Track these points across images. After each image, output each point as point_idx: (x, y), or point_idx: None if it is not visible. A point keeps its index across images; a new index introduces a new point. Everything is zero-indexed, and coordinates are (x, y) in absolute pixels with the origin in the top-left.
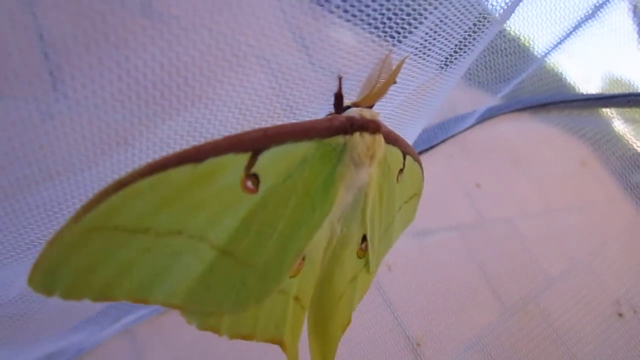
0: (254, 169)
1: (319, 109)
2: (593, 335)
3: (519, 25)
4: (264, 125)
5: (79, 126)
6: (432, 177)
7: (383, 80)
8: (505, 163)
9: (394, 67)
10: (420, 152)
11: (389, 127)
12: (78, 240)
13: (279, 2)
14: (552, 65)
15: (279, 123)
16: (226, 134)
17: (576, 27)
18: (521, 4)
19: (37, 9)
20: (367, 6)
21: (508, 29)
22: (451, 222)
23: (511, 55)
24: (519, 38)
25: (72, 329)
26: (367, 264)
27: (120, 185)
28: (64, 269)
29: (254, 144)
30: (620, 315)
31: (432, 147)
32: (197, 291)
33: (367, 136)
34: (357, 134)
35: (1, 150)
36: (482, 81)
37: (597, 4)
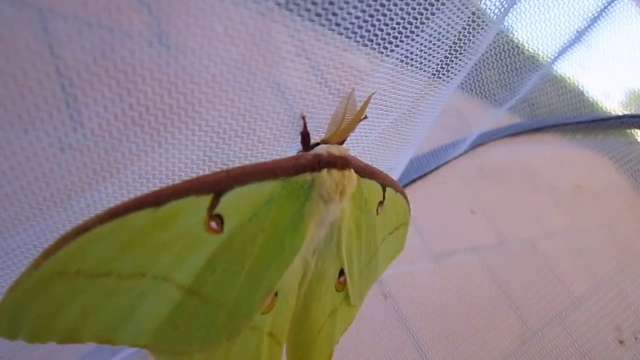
0: (217, 210)
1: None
2: (617, 354)
3: (520, 33)
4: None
5: (97, 156)
6: (446, 198)
7: (350, 117)
8: (524, 183)
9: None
10: (432, 171)
11: (364, 160)
12: (38, 285)
13: (288, 28)
14: (570, 80)
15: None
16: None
17: (585, 35)
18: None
19: (53, 42)
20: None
21: (511, 35)
22: (470, 244)
23: (515, 63)
24: (522, 46)
25: None
26: (347, 297)
27: (80, 231)
28: (26, 314)
29: (216, 186)
30: None
31: (446, 164)
32: (164, 331)
33: (335, 172)
34: (324, 171)
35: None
36: (486, 93)
37: (612, 16)
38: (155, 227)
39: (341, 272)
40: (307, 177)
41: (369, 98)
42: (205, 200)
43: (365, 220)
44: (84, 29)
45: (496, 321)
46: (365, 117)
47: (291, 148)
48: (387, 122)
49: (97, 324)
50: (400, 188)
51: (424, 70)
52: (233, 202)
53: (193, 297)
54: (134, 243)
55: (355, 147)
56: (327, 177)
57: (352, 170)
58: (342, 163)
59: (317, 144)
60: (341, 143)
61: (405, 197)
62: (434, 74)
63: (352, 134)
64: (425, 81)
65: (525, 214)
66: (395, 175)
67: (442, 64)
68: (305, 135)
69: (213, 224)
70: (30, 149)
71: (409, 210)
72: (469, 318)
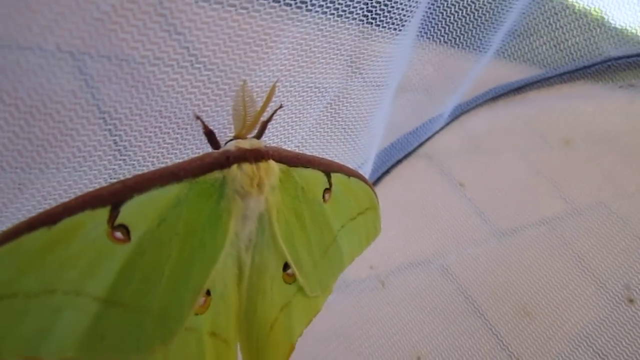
0: (119, 221)
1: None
2: None
3: None
4: None
5: None
6: (508, 173)
7: (252, 108)
8: (591, 144)
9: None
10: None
11: (295, 150)
12: None
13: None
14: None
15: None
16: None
17: None
18: None
19: (93, 86)
20: None
21: None
22: (538, 217)
23: None
24: None
25: None
26: (301, 289)
27: None
28: None
29: (111, 197)
30: None
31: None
32: (90, 343)
33: (246, 166)
34: (234, 167)
35: None
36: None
37: None
38: (54, 245)
39: (287, 265)
40: (217, 175)
41: (274, 86)
42: (103, 212)
43: (308, 210)
44: (118, 65)
45: (578, 293)
46: (281, 107)
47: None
48: (321, 104)
49: (16, 343)
50: (354, 172)
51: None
52: (135, 211)
53: (113, 307)
54: (34, 263)
55: (292, 139)
56: (238, 172)
57: (269, 161)
58: (254, 156)
59: (231, 140)
60: (259, 136)
61: (364, 180)
62: (368, 22)
63: (283, 124)
64: (357, 35)
65: (592, 176)
66: (367, 167)
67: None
68: (209, 134)
69: (118, 234)
70: (81, 183)
71: (374, 193)
72: (543, 295)
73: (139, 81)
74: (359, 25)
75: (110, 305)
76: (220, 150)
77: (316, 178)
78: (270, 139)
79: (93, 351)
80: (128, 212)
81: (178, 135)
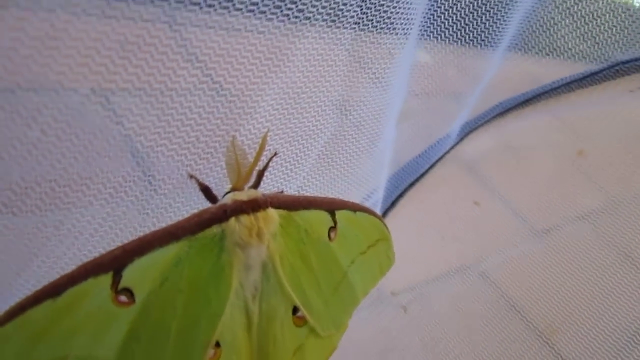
0: (122, 285)
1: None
2: None
3: None
4: None
5: (174, 215)
6: (540, 171)
7: (245, 160)
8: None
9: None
10: None
11: (298, 192)
12: None
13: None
14: None
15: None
16: None
17: None
18: None
19: (118, 116)
20: None
21: None
22: (576, 213)
23: None
24: None
25: None
26: (313, 330)
27: None
28: None
29: (112, 264)
30: None
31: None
32: None
33: (244, 218)
34: (232, 220)
35: None
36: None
37: None
38: (60, 314)
39: (296, 308)
40: (216, 229)
41: (265, 136)
42: (105, 279)
43: (314, 251)
44: (143, 98)
45: (621, 289)
46: (275, 154)
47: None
48: (318, 144)
49: None
50: (359, 206)
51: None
52: (137, 273)
53: None
54: (43, 333)
55: (292, 182)
56: (236, 225)
57: (267, 210)
58: (252, 206)
59: (228, 192)
60: (256, 185)
61: (372, 213)
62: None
63: (282, 169)
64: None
65: (629, 168)
66: (378, 195)
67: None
68: (205, 190)
69: (122, 298)
70: (114, 215)
71: (383, 224)
72: (588, 292)
73: (167, 112)
74: (349, 55)
75: None
76: (217, 204)
77: (320, 218)
78: (270, 185)
79: None
80: (130, 275)
81: (200, 166)
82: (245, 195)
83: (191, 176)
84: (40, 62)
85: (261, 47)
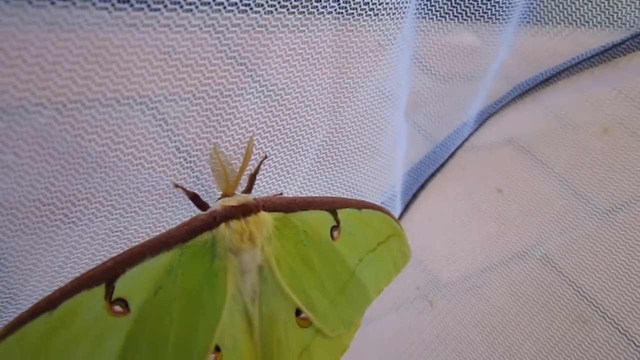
0: (116, 295)
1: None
2: None
3: None
4: None
5: None
6: (595, 147)
7: (230, 166)
8: None
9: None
10: None
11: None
12: None
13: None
14: None
15: None
16: None
17: None
18: None
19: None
20: None
21: None
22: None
23: None
24: None
25: None
26: (319, 331)
27: None
28: None
29: (104, 275)
30: None
31: None
32: None
33: (234, 223)
34: (222, 226)
35: None
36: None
37: None
38: (58, 327)
39: (299, 309)
40: (206, 236)
41: (251, 140)
42: (99, 290)
43: (315, 251)
44: (191, 106)
45: None
46: (266, 157)
47: None
48: (314, 143)
49: None
50: (365, 203)
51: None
52: (130, 284)
53: None
54: (43, 346)
55: (290, 184)
56: (227, 230)
57: (259, 213)
58: (242, 211)
59: (219, 199)
60: (248, 190)
61: (380, 209)
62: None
63: (276, 171)
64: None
65: None
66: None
67: None
68: (193, 198)
69: (117, 308)
70: (165, 215)
71: (394, 220)
72: None
73: (214, 118)
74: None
75: None
76: (207, 211)
77: (320, 218)
78: (268, 189)
79: None
80: (123, 286)
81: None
82: (235, 200)
83: (177, 186)
84: (97, 75)
85: (235, 46)
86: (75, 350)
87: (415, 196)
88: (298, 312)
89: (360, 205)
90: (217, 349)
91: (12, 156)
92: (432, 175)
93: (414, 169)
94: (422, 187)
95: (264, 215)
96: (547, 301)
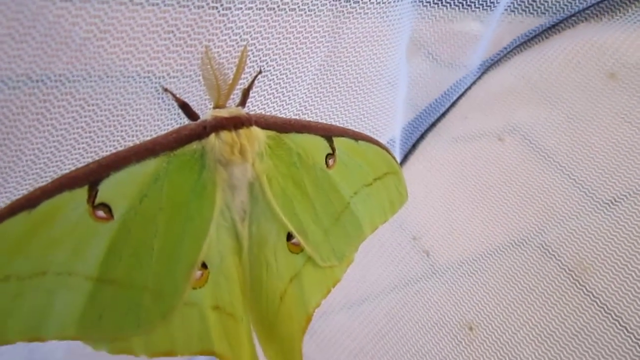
0: (99, 200)
1: None
2: None
3: None
4: None
5: None
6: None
7: (223, 75)
8: None
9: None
10: None
11: (289, 116)
12: None
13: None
14: None
15: None
16: None
17: None
18: None
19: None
20: None
21: None
22: None
23: None
24: None
25: None
26: (310, 259)
27: None
28: None
29: (87, 177)
30: None
31: None
32: (89, 321)
33: (225, 134)
34: (212, 136)
35: None
36: None
37: None
38: (37, 227)
39: (291, 234)
40: (195, 146)
41: (244, 50)
42: (81, 193)
43: (309, 176)
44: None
45: None
46: (260, 72)
47: None
48: (311, 66)
49: (17, 325)
50: (362, 135)
51: None
52: (114, 189)
53: (106, 285)
54: (20, 246)
55: (287, 106)
56: (217, 141)
57: (251, 127)
58: (234, 123)
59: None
60: (242, 105)
61: (378, 144)
62: None
63: (271, 91)
64: None
65: None
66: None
67: None
68: (183, 106)
69: (100, 213)
70: None
71: (392, 157)
72: None
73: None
74: None
75: (103, 284)
76: (198, 121)
77: (315, 143)
78: (260, 110)
79: (93, 329)
80: (107, 190)
81: None
82: (226, 112)
83: (166, 90)
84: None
85: None
86: (55, 254)
87: (414, 147)
88: (289, 237)
89: (357, 136)
90: (204, 266)
91: None
92: (433, 124)
93: (414, 119)
94: (422, 137)
95: (256, 131)
96: (545, 289)
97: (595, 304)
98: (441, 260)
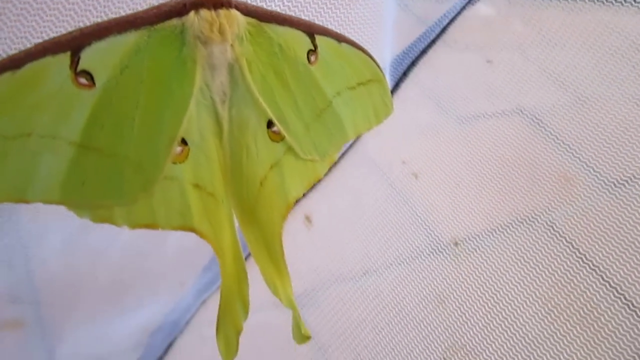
0: (81, 67)
1: None
2: None
3: None
4: None
5: None
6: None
7: None
8: None
9: None
10: None
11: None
12: None
13: None
14: None
15: None
16: None
17: None
18: None
19: None
20: None
21: None
22: None
23: None
24: None
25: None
26: (291, 149)
27: None
28: None
29: (69, 43)
30: None
31: None
32: (71, 187)
33: (204, 12)
34: (192, 13)
35: None
36: None
37: None
38: (21, 88)
39: (272, 122)
40: (175, 22)
41: None
42: (63, 58)
43: (289, 68)
44: None
45: None
46: None
47: None
48: None
49: (3, 184)
50: (345, 38)
51: None
52: (96, 57)
53: (89, 151)
54: (5, 106)
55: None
56: (196, 18)
57: (231, 10)
58: (213, 3)
59: None
60: None
61: (361, 49)
62: None
63: None
64: None
65: None
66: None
67: None
68: None
69: (82, 80)
70: None
71: (376, 64)
72: None
73: None
74: None
75: (85, 150)
76: None
77: (296, 37)
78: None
79: (76, 195)
80: (89, 58)
81: None
82: None
83: None
84: None
85: None
86: (39, 117)
87: (405, 74)
88: (270, 125)
89: (340, 38)
90: (185, 143)
91: None
92: (424, 51)
93: (405, 50)
94: (413, 63)
95: (236, 13)
96: (550, 264)
97: (599, 279)
98: (447, 236)
